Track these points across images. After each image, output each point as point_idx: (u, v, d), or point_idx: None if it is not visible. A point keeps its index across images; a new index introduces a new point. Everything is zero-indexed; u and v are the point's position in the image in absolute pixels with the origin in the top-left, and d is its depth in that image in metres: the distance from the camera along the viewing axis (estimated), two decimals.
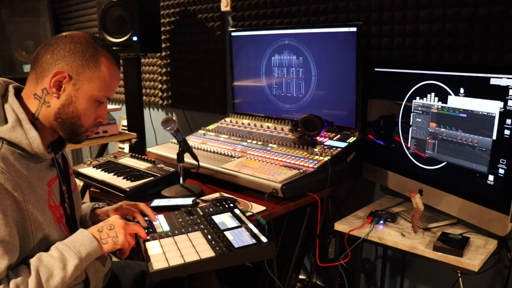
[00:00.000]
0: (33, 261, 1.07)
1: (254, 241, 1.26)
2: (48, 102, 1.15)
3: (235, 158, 1.95)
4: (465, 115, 1.54)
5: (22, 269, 1.05)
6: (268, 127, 2.27)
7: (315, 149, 1.91)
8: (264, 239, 1.26)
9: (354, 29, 1.94)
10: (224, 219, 1.43)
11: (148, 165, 1.97)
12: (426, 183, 1.71)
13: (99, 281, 1.30)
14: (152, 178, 1.80)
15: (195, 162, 1.79)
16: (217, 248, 1.23)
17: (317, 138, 2.00)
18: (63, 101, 1.15)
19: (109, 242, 1.19)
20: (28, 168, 1.11)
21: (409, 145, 1.78)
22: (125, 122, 3.35)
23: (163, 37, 3.12)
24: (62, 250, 1.11)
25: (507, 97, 1.40)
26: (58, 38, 1.17)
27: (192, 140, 2.26)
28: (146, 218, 1.48)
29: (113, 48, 2.78)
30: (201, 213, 1.49)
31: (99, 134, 2.68)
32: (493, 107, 1.44)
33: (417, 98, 1.71)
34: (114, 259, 1.50)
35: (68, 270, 1.09)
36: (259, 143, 2.12)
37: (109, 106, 3.04)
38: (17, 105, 1.12)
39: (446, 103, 1.60)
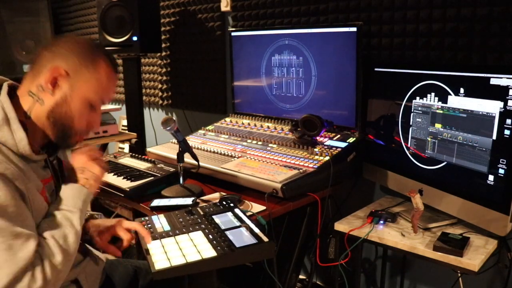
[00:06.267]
0: (45, 232, 1.10)
1: (255, 240, 1.26)
2: (42, 99, 1.13)
3: (235, 158, 1.95)
4: (465, 115, 1.54)
5: (42, 243, 1.07)
6: (268, 127, 2.27)
7: (315, 149, 1.91)
8: (265, 238, 1.27)
9: (354, 29, 1.94)
10: (224, 219, 1.43)
11: (148, 165, 1.97)
12: (426, 183, 1.71)
13: (91, 284, 1.30)
14: (152, 178, 1.80)
15: (195, 162, 1.79)
16: (219, 248, 1.23)
17: (317, 138, 2.00)
18: (58, 99, 1.13)
19: (92, 183, 1.24)
20: (21, 163, 1.10)
21: (409, 145, 1.78)
22: (125, 122, 3.35)
23: (163, 37, 3.12)
24: (62, 211, 1.15)
25: (507, 97, 1.40)
26: (59, 39, 1.18)
27: (192, 140, 2.26)
28: (146, 218, 1.48)
29: (113, 48, 2.80)
30: (202, 213, 1.49)
31: (99, 134, 2.68)
32: (493, 107, 1.44)
33: (417, 98, 1.72)
34: (110, 257, 1.49)
35: (76, 225, 1.14)
36: (259, 143, 2.12)
37: (109, 106, 3.03)
38: (8, 104, 1.10)
39: (446, 103, 1.60)
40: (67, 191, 1.19)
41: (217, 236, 1.30)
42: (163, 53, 3.24)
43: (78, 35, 1.26)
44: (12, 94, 1.14)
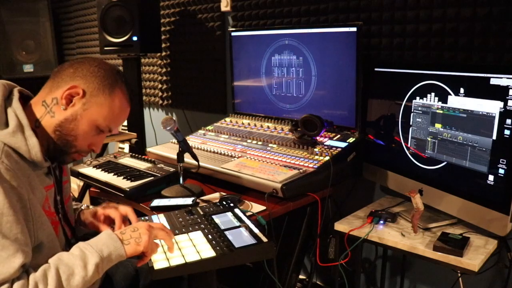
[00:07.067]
0: (52, 260, 1.07)
1: (254, 241, 1.26)
2: (54, 112, 1.16)
3: (235, 158, 1.95)
4: (465, 115, 1.54)
5: (42, 267, 1.04)
6: (268, 127, 2.27)
7: (315, 149, 1.91)
8: (264, 239, 1.26)
9: (354, 29, 1.94)
10: (224, 219, 1.43)
11: (148, 165, 1.97)
12: (426, 183, 1.71)
13: (92, 284, 1.30)
14: (152, 178, 1.80)
15: (195, 162, 1.79)
16: (218, 248, 1.23)
17: (317, 138, 2.00)
18: (68, 116, 1.16)
19: (132, 243, 1.14)
20: (29, 169, 1.11)
21: (409, 145, 1.78)
22: (125, 122, 3.35)
23: (163, 37, 3.12)
24: (84, 248, 1.10)
25: (507, 97, 1.40)
26: (86, 58, 1.21)
27: (192, 140, 2.26)
28: (146, 218, 1.48)
29: (113, 48, 2.80)
30: (202, 213, 1.49)
31: None
32: (493, 107, 1.44)
33: (417, 98, 1.72)
34: None
35: (89, 269, 1.07)
36: (259, 143, 2.12)
37: None
38: (20, 110, 1.12)
39: (446, 103, 1.60)
40: (103, 236, 1.15)
41: (217, 236, 1.29)
42: (163, 53, 3.24)
43: (103, 60, 1.25)
44: (24, 101, 1.16)
